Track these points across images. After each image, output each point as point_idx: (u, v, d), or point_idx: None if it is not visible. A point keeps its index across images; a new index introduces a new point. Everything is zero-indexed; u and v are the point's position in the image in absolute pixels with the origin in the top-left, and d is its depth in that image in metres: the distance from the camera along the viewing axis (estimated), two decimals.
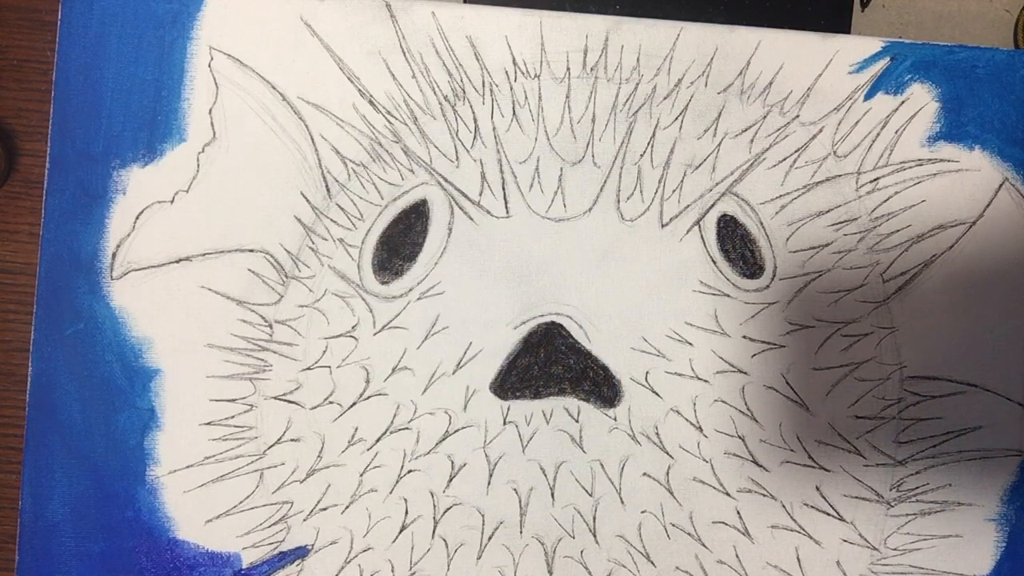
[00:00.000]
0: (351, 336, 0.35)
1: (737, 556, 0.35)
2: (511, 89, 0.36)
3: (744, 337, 0.36)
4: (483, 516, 0.35)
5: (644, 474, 0.35)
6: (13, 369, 0.38)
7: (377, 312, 0.35)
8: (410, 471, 0.35)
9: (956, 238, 0.36)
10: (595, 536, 0.35)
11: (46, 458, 0.35)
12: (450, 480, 0.35)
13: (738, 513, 0.35)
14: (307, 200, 0.36)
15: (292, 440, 0.35)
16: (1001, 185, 0.36)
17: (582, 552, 0.35)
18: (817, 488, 0.36)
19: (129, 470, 0.35)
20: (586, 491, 0.35)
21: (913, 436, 0.36)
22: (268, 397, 0.35)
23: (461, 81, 0.36)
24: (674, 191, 0.36)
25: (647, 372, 0.35)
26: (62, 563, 0.35)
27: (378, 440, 0.35)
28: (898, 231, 0.36)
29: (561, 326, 0.35)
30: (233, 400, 0.35)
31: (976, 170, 0.36)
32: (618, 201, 0.36)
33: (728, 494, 0.35)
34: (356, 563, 0.35)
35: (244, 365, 0.35)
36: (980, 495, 0.36)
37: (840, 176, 0.36)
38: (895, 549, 0.36)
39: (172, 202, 0.35)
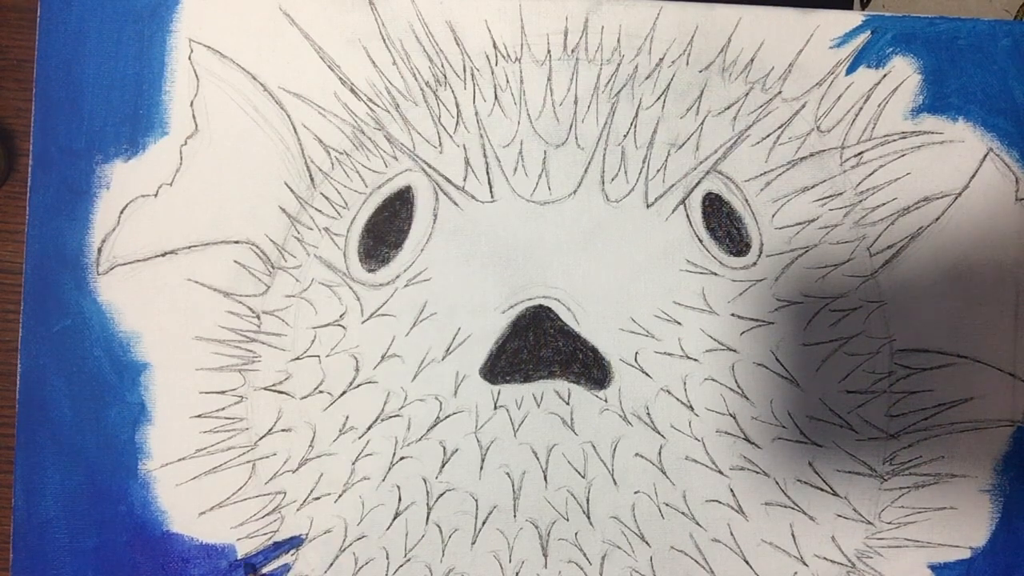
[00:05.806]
0: (339, 325, 0.35)
1: (732, 534, 0.35)
2: (492, 73, 0.36)
3: (733, 315, 0.36)
4: (476, 501, 0.35)
5: (636, 454, 0.35)
6: (11, 369, 0.37)
7: (365, 300, 0.35)
8: (402, 458, 0.35)
9: (942, 210, 0.36)
10: (589, 518, 0.35)
11: (38, 455, 0.35)
12: (442, 466, 0.35)
13: (731, 491, 0.35)
14: (291, 190, 0.35)
15: (283, 430, 0.35)
16: (986, 156, 0.36)
17: (576, 534, 0.35)
18: (810, 464, 0.36)
19: (121, 465, 0.35)
20: (579, 473, 0.35)
21: (904, 409, 0.36)
22: (258, 388, 0.35)
23: (442, 66, 0.36)
24: (658, 171, 0.36)
25: (636, 352, 0.35)
26: (56, 559, 0.35)
27: (369, 428, 0.35)
28: (884, 204, 0.36)
29: (549, 309, 0.35)
30: (223, 392, 0.35)
31: (960, 141, 0.36)
32: (603, 182, 0.36)
33: (721, 472, 0.35)
34: (351, 551, 0.35)
35: (233, 357, 0.35)
36: (973, 466, 0.36)
37: (824, 151, 0.36)
38: (890, 523, 0.36)
39: (156, 195, 0.35)
